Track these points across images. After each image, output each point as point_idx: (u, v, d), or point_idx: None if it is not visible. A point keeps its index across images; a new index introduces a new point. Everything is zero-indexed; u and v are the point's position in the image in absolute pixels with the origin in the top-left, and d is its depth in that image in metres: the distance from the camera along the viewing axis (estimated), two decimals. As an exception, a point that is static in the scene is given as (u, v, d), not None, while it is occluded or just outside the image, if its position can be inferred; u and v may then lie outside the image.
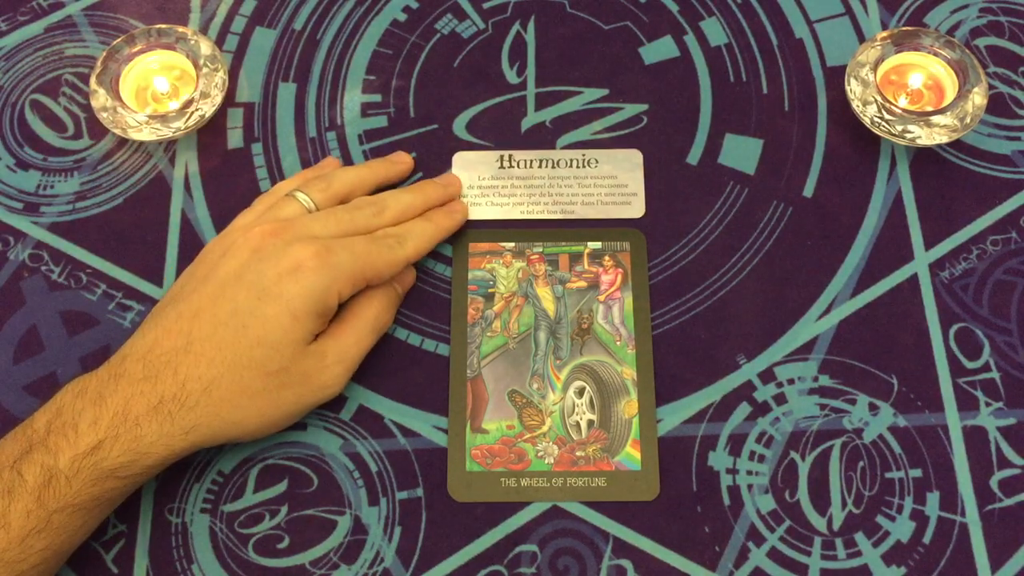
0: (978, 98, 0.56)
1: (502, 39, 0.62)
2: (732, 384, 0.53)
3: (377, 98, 0.60)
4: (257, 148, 0.59)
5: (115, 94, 0.57)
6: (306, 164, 0.58)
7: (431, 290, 0.55)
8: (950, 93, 0.56)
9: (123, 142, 0.59)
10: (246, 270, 0.48)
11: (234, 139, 0.59)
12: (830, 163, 0.58)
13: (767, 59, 0.61)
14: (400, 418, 0.52)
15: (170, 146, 0.59)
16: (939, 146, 0.58)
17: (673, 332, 0.54)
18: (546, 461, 0.51)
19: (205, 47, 0.58)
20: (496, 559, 0.49)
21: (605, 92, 0.60)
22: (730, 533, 0.49)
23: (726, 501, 0.50)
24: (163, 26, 0.59)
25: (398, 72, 0.61)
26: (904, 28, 0.59)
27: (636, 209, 0.57)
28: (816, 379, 0.53)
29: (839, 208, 0.57)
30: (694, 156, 0.58)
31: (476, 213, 0.57)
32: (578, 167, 0.58)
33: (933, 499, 0.50)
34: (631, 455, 0.51)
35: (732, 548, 0.49)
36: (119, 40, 0.58)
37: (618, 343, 0.53)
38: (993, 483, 0.50)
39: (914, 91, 0.58)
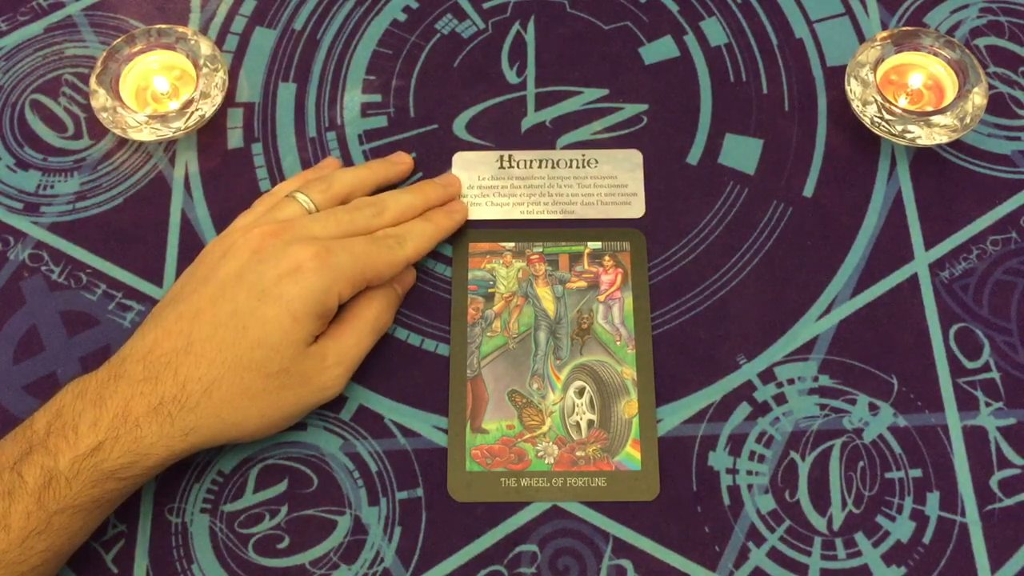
0: (978, 98, 0.56)
1: (502, 39, 0.62)
2: (732, 384, 0.53)
3: (377, 98, 0.60)
4: (257, 148, 0.59)
5: (115, 94, 0.57)
6: (306, 164, 0.58)
7: (431, 290, 0.55)
8: (950, 93, 0.56)
9: (123, 142, 0.59)
10: (246, 271, 0.48)
11: (234, 139, 0.59)
12: (830, 163, 0.58)
13: (767, 59, 0.61)
14: (400, 418, 0.52)
15: (170, 146, 0.59)
16: (939, 146, 0.58)
17: (673, 332, 0.54)
18: (546, 461, 0.51)
19: (205, 47, 0.58)
20: (496, 559, 0.49)
21: (605, 92, 0.60)
22: (730, 533, 0.49)
23: (726, 501, 0.50)
24: (163, 26, 0.59)
25: (398, 72, 0.61)
26: (904, 28, 0.58)
27: (636, 209, 0.57)
28: (816, 379, 0.53)
29: (839, 208, 0.57)
30: (694, 156, 0.58)
31: (476, 213, 0.57)
32: (578, 167, 0.58)
33: (933, 499, 0.50)
34: (631, 455, 0.51)
35: (732, 548, 0.49)
36: (119, 40, 0.58)
37: (618, 343, 0.53)
38: (993, 483, 0.50)
39: (914, 91, 0.58)
